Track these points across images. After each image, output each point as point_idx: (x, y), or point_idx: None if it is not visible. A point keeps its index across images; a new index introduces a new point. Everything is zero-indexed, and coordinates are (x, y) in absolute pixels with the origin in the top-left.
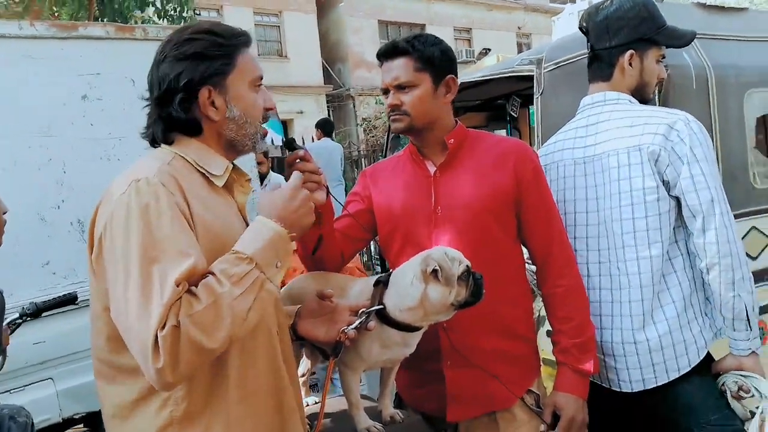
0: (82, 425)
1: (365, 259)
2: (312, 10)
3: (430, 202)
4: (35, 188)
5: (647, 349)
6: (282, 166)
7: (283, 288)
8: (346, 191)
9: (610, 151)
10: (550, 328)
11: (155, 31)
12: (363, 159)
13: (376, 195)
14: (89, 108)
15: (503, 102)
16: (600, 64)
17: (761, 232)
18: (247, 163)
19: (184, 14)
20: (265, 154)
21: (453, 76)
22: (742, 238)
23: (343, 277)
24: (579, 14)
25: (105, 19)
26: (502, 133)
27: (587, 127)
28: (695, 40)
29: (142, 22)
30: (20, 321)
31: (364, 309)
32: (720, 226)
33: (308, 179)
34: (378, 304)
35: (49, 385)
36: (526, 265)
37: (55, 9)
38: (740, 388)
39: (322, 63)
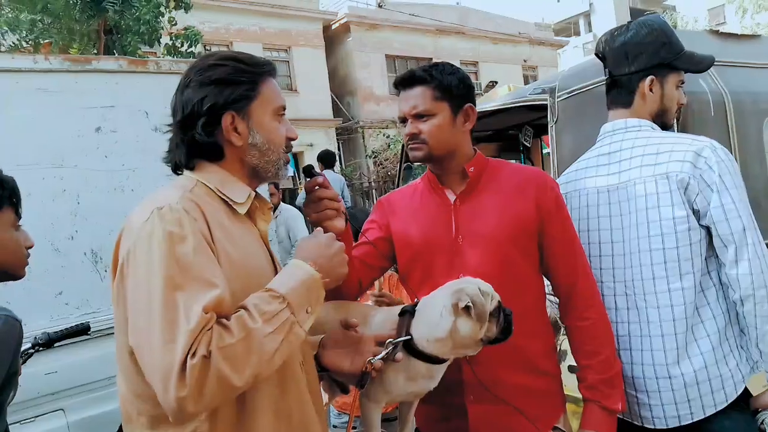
0: None
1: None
2: (320, 45)
3: (451, 231)
4: (49, 218)
5: (683, 384)
6: (293, 198)
7: None
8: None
9: (636, 179)
10: (573, 363)
11: (168, 65)
12: (374, 190)
13: (395, 223)
14: (103, 140)
15: (515, 132)
16: (620, 91)
17: None
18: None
19: (194, 50)
20: (276, 185)
21: (471, 104)
22: None
23: (364, 306)
24: (584, 46)
25: (115, 54)
26: (516, 163)
27: (610, 155)
28: (711, 67)
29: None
30: (32, 351)
31: (390, 339)
32: (753, 257)
33: (327, 206)
34: (405, 335)
35: (60, 416)
36: (548, 296)
37: (64, 44)
38: None
39: (332, 97)
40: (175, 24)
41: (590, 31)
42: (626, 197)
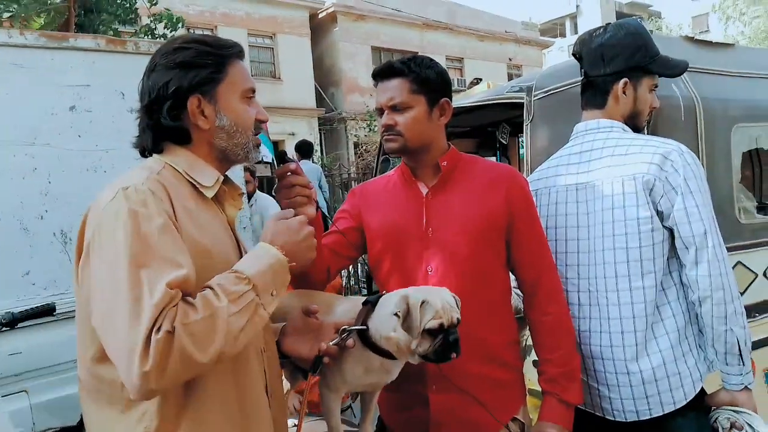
0: None
1: (352, 282)
2: (306, 33)
3: (422, 223)
4: (18, 197)
5: (641, 381)
6: (271, 187)
7: None
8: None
9: (603, 179)
10: (537, 358)
11: (147, 46)
12: (353, 182)
13: (366, 214)
14: (77, 119)
15: (493, 130)
16: (594, 92)
17: (747, 267)
18: (236, 181)
19: (174, 33)
20: (252, 173)
21: (448, 99)
22: None
23: (329, 296)
24: (569, 48)
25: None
26: (492, 160)
27: (581, 154)
28: (685, 72)
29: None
30: None
31: (346, 326)
32: (713, 259)
33: (299, 193)
34: (362, 325)
35: (23, 397)
36: (515, 290)
37: (25, 16)
38: (733, 425)
39: (315, 86)
40: (156, 3)
41: (576, 32)
42: (593, 196)
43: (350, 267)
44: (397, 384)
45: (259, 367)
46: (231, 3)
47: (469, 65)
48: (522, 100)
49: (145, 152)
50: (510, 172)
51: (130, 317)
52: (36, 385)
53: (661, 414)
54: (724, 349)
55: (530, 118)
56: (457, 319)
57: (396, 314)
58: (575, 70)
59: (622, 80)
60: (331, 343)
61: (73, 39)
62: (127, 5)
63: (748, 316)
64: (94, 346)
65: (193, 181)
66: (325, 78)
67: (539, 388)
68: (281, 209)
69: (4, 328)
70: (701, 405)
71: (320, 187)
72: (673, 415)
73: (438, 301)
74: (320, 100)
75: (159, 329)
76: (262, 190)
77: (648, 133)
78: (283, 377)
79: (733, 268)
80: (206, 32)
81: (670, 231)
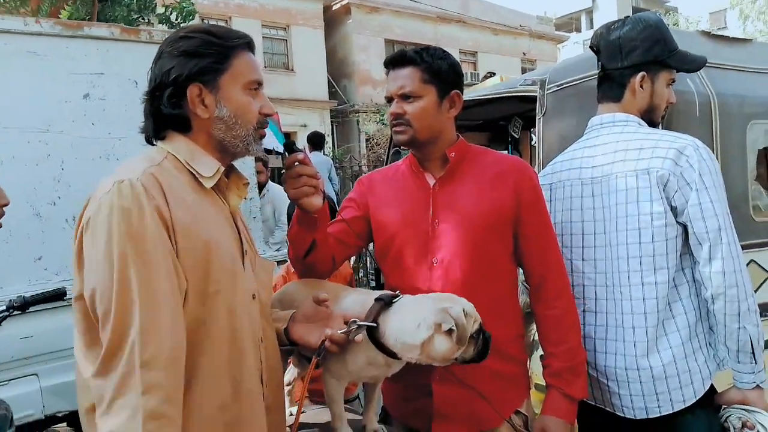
0: (65, 423)
1: (361, 274)
2: (320, 25)
3: (428, 214)
4: (32, 183)
5: (651, 377)
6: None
7: (275, 293)
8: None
9: (618, 173)
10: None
11: (160, 35)
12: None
13: (373, 203)
14: (90, 107)
15: (505, 123)
16: (611, 84)
17: (760, 266)
18: (246, 171)
19: (187, 23)
20: (264, 163)
21: (458, 91)
22: None
23: (336, 286)
24: (584, 42)
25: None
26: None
27: (595, 147)
28: (703, 68)
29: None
30: (7, 314)
31: (356, 320)
32: (727, 256)
33: (306, 183)
34: (372, 321)
35: (33, 381)
36: (523, 284)
37: (54, 8)
38: (744, 425)
39: (328, 78)
40: None
41: (591, 27)
42: (608, 190)
43: (363, 260)
44: (402, 375)
45: (256, 358)
46: None
47: (483, 59)
48: (535, 94)
49: (149, 139)
50: (518, 164)
51: (117, 331)
52: (46, 368)
53: (670, 412)
54: (737, 347)
55: (543, 112)
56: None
57: (450, 330)
58: (589, 64)
59: (640, 74)
60: (338, 332)
61: (87, 27)
62: None
63: (761, 314)
64: (91, 332)
65: (193, 171)
66: (337, 70)
67: (545, 383)
68: (288, 198)
69: (15, 312)
70: (711, 403)
71: (330, 179)
72: (683, 413)
73: (468, 307)
74: (332, 93)
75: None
76: (274, 181)
77: (662, 128)
78: (291, 364)
79: (747, 265)
80: (220, 23)
81: (684, 227)
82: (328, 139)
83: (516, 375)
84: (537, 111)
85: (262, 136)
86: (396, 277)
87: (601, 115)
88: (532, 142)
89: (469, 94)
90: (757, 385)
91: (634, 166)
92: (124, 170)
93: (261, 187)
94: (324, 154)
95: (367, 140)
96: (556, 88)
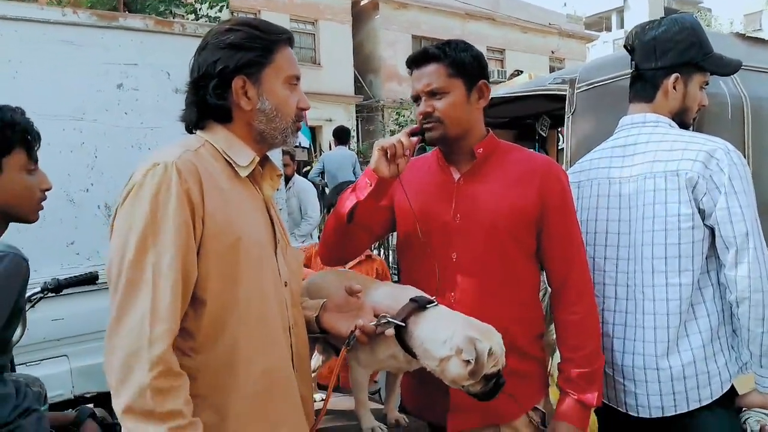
0: (92, 405)
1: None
2: (347, 20)
3: (450, 208)
4: (66, 169)
5: (669, 377)
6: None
7: (303, 281)
8: None
9: (647, 174)
10: None
11: (193, 27)
12: None
13: (399, 193)
14: (124, 97)
15: (532, 121)
16: (644, 85)
17: None
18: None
19: (219, 15)
20: (291, 157)
21: (485, 81)
22: None
23: (365, 278)
24: (614, 42)
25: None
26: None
27: (625, 147)
28: (737, 71)
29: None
30: (41, 295)
31: (386, 315)
32: (753, 261)
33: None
34: (402, 321)
35: (63, 361)
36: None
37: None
38: (762, 428)
39: (354, 73)
40: None
41: (622, 27)
42: (635, 190)
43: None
44: (419, 370)
45: (287, 344)
46: None
47: (511, 57)
48: (564, 93)
49: (189, 128)
50: (546, 163)
51: (128, 310)
52: (76, 350)
53: (686, 410)
54: (759, 352)
55: (572, 111)
56: (504, 363)
57: (468, 361)
58: (620, 64)
59: (674, 75)
60: (370, 324)
61: (122, 18)
62: None
63: None
64: None
65: (230, 160)
66: (364, 65)
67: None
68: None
69: (49, 294)
70: (731, 404)
71: (355, 173)
72: (702, 411)
73: (498, 348)
74: (358, 88)
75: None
76: (299, 174)
77: (693, 130)
78: (315, 351)
79: None
80: (250, 16)
81: (711, 230)
82: (353, 133)
83: (534, 373)
84: (566, 110)
85: (299, 129)
86: (415, 269)
87: (632, 115)
88: (560, 142)
89: (498, 91)
90: None
91: (663, 168)
92: (162, 154)
93: (287, 180)
94: (349, 148)
95: (392, 135)
96: (586, 88)
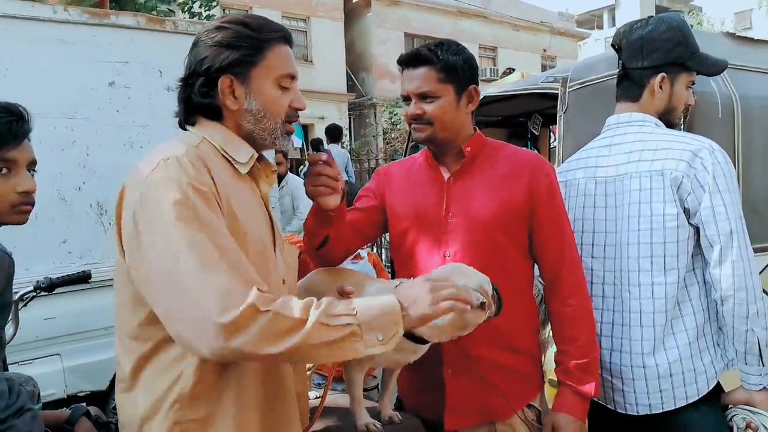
0: (84, 404)
1: None
2: (340, 18)
3: (442, 208)
4: (58, 168)
5: (656, 375)
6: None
7: (299, 281)
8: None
9: (632, 173)
10: None
11: (185, 25)
12: None
13: (390, 194)
14: (116, 95)
15: (524, 120)
16: (630, 84)
17: None
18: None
19: (210, 12)
20: (285, 155)
21: (475, 86)
22: (760, 272)
23: (360, 275)
24: (605, 40)
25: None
26: None
27: (611, 147)
28: (724, 71)
29: (164, 16)
30: (34, 294)
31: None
32: (737, 259)
33: (324, 183)
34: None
35: (56, 360)
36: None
37: None
38: (748, 426)
39: (347, 71)
40: None
41: (614, 25)
42: (621, 190)
43: (378, 252)
44: (415, 367)
45: None
46: None
47: (503, 55)
48: (556, 91)
49: (182, 124)
50: (534, 159)
51: (208, 274)
52: (69, 349)
53: (673, 408)
54: (744, 349)
55: (564, 109)
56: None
57: (482, 303)
58: (611, 62)
59: (660, 74)
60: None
61: (114, 16)
62: None
63: None
64: (141, 311)
65: (229, 157)
66: (356, 63)
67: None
68: (306, 194)
69: (42, 293)
70: (717, 401)
71: (346, 172)
72: (688, 409)
73: (474, 276)
74: (351, 85)
75: (252, 303)
76: (292, 172)
77: (684, 129)
78: None
79: (764, 268)
80: (242, 12)
81: (696, 229)
82: (346, 131)
83: (529, 370)
84: (558, 108)
85: (290, 132)
86: (409, 269)
87: (618, 115)
88: (552, 140)
89: (490, 90)
90: (764, 387)
91: (648, 167)
92: (165, 150)
93: (280, 178)
94: (341, 146)
95: (384, 133)
96: (578, 86)
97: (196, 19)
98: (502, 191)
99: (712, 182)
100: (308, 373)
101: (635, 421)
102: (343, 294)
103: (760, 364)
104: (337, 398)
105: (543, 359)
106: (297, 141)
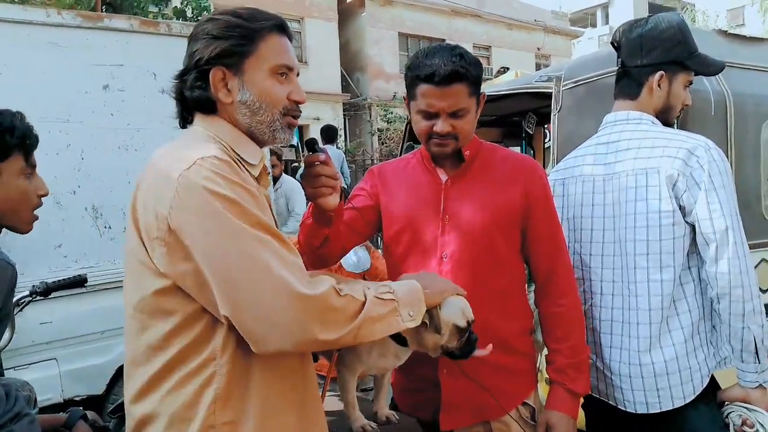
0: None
1: None
2: (334, 18)
3: (439, 209)
4: (52, 172)
5: (652, 373)
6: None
7: None
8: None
9: (628, 171)
10: None
11: (179, 28)
12: None
13: (384, 194)
14: (110, 98)
15: (519, 119)
16: (629, 81)
17: None
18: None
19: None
20: (279, 156)
21: (483, 92)
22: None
23: (346, 280)
24: (599, 38)
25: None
26: (517, 150)
27: (608, 144)
28: (721, 72)
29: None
30: (30, 299)
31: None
32: (733, 256)
33: (324, 183)
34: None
35: (52, 365)
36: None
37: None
38: (744, 423)
39: (341, 71)
40: None
41: (607, 23)
42: (618, 187)
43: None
44: (410, 367)
45: None
46: None
47: (497, 54)
48: (550, 90)
49: (182, 124)
50: (530, 163)
51: (282, 273)
52: (65, 353)
53: (670, 408)
54: (740, 347)
55: (558, 108)
56: (473, 318)
57: (468, 323)
58: (605, 61)
59: (659, 73)
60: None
61: (108, 19)
62: None
63: None
64: (169, 321)
65: (239, 158)
66: (351, 63)
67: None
68: (306, 195)
69: (38, 297)
70: (713, 399)
71: (342, 172)
72: (685, 408)
73: (461, 301)
74: (345, 86)
75: (332, 287)
76: (286, 173)
77: (677, 127)
78: None
79: (757, 264)
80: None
81: (692, 226)
82: (341, 132)
83: (522, 369)
84: (552, 107)
85: (291, 125)
86: (404, 270)
87: (616, 113)
88: (546, 140)
89: (484, 89)
90: (760, 385)
91: (644, 165)
92: (190, 150)
93: (274, 180)
94: (337, 147)
95: (379, 133)
96: (571, 85)
97: (190, 21)
98: (498, 195)
99: (707, 180)
100: None
101: (634, 418)
102: None
103: (756, 361)
104: (332, 401)
105: (538, 358)
106: (291, 136)
